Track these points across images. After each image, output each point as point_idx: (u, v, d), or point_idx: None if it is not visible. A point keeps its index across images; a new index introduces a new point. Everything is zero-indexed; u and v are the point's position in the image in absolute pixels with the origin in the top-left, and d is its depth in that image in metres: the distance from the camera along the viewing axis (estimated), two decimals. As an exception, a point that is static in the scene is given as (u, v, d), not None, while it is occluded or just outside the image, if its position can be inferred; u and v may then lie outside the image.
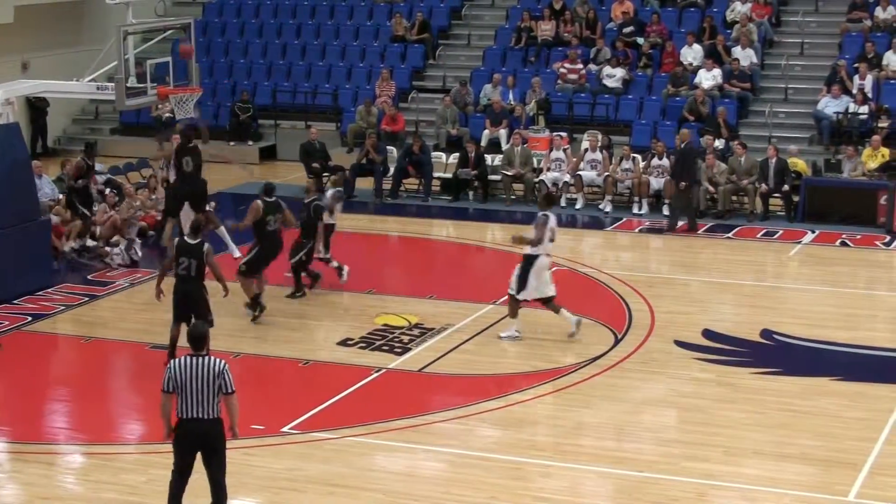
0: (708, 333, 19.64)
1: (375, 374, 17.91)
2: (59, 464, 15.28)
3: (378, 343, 19.17)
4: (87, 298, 21.66)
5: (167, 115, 27.93)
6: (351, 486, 14.30)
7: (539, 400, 16.90)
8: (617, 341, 19.26)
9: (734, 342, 19.29)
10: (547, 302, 19.18)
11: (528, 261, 18.97)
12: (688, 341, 19.23)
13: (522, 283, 18.93)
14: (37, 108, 33.55)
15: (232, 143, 33.09)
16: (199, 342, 12.73)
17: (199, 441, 12.63)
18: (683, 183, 26.07)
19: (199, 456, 12.74)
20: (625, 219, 27.30)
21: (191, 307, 17.22)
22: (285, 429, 15.93)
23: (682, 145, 26.61)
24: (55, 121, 34.86)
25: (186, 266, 17.31)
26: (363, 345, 19.12)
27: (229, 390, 12.56)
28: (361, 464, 14.97)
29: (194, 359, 12.59)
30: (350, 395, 17.13)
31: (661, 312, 20.63)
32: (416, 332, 19.69)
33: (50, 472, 15.01)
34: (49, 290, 21.91)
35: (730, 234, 25.93)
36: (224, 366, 12.60)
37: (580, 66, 32.15)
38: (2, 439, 15.95)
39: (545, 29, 33.65)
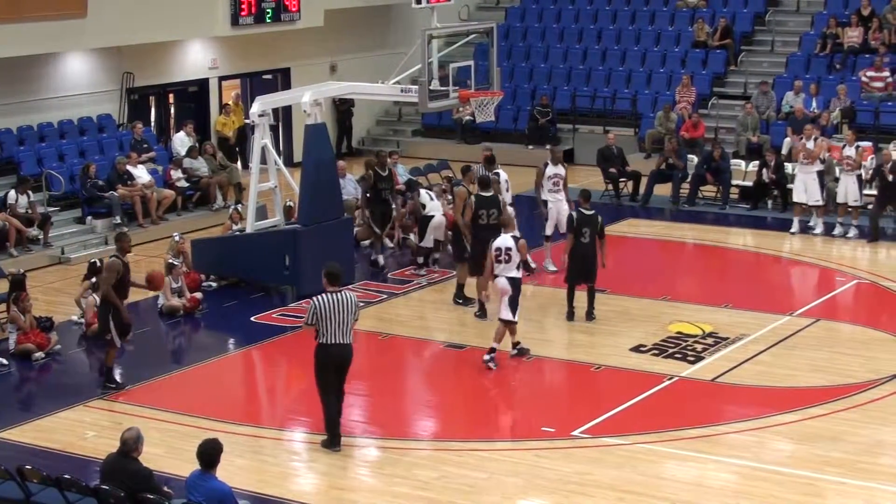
0: None
1: (667, 382, 17.79)
2: (354, 456, 15.68)
3: (671, 350, 19.03)
4: (385, 296, 22.16)
5: (468, 118, 28.33)
6: (640, 493, 14.25)
7: (835, 415, 16.45)
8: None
9: None
10: None
11: None
12: None
13: None
14: (343, 109, 34.54)
15: (530, 147, 33.34)
16: (337, 279, 15.25)
17: (340, 361, 15.22)
18: None
19: None
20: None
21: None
22: (576, 432, 15.97)
23: None
24: (360, 122, 35.81)
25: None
26: (656, 352, 19.01)
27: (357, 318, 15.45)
28: (651, 471, 14.90)
29: (334, 294, 15.05)
30: (641, 402, 17.06)
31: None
32: (709, 340, 19.47)
33: (346, 463, 15.42)
34: (350, 286, 22.49)
35: None
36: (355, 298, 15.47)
37: (886, 73, 31.21)
38: (301, 430, 16.51)
39: (852, 35, 32.79)
